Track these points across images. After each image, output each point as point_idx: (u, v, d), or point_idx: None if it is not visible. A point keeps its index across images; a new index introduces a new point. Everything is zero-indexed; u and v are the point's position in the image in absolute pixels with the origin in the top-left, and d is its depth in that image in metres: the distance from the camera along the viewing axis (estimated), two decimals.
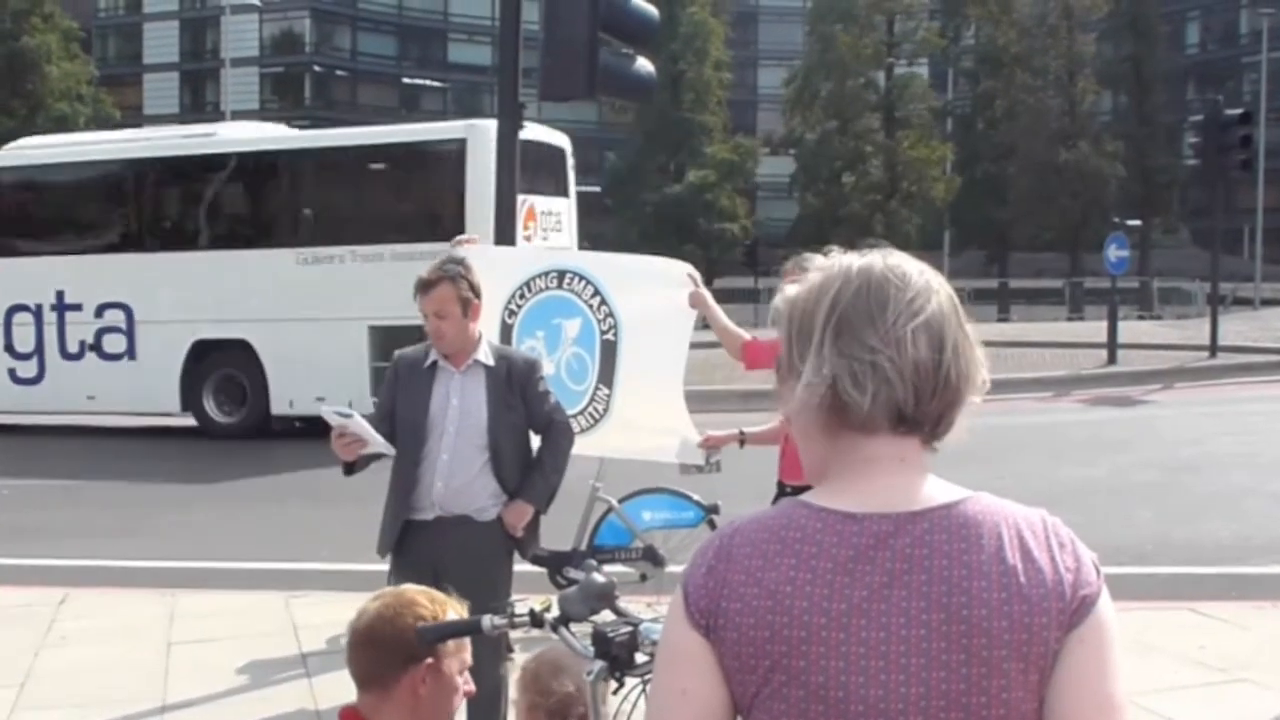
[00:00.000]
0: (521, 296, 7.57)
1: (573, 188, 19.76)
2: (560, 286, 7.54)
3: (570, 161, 19.79)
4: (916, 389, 1.75)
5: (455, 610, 3.09)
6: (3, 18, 55.23)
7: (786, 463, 6.30)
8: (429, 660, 2.97)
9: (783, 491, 6.32)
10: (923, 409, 1.77)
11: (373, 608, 3.05)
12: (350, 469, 5.36)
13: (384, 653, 2.97)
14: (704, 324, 7.23)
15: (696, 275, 7.20)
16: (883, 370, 1.74)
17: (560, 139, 19.33)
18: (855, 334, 1.76)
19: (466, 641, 3.08)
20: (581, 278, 7.51)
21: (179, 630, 8.46)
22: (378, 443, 5.22)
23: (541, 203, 18.09)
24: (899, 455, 1.78)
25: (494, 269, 6.96)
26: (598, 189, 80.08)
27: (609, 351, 7.43)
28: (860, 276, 1.80)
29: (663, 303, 7.23)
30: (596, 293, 7.45)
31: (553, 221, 18.53)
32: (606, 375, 7.45)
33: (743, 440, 7.02)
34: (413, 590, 3.14)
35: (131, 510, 13.48)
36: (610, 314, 7.40)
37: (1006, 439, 14.98)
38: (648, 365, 7.39)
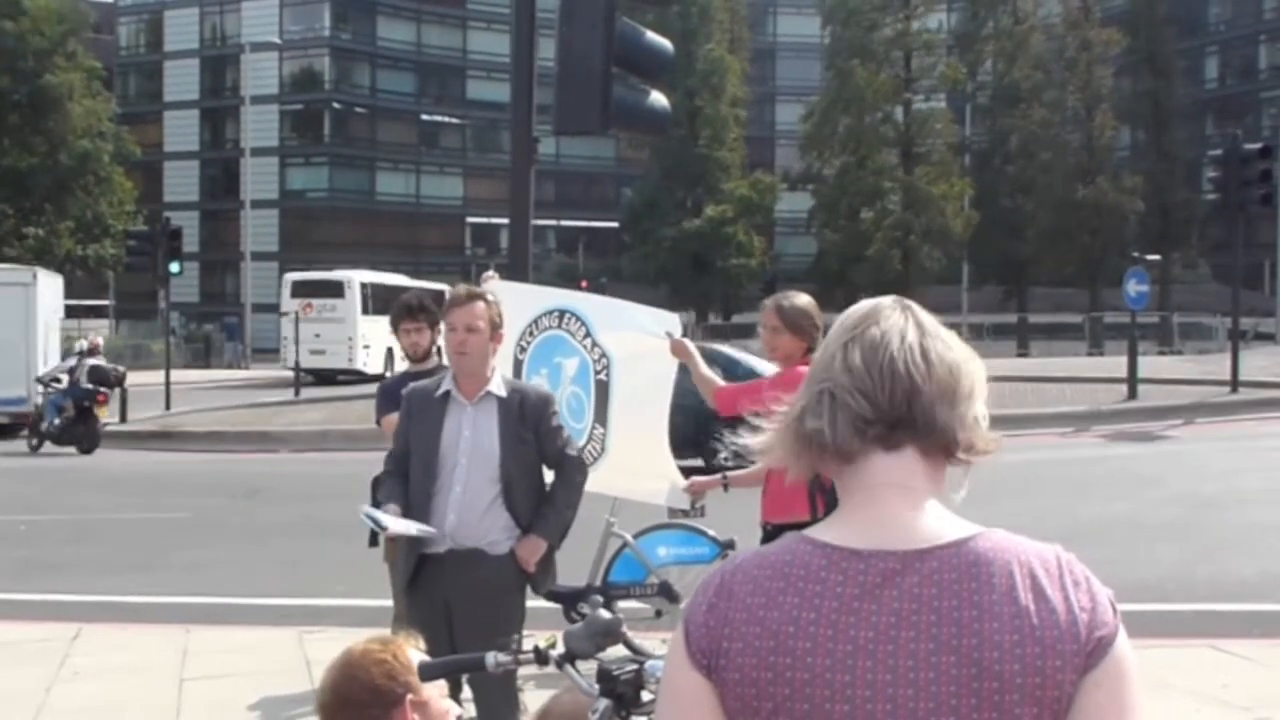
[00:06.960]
0: (530, 334, 7.60)
1: None
2: (560, 326, 7.58)
3: None
4: (864, 394, 1.73)
5: (413, 646, 3.01)
6: (26, 56, 55.69)
7: (769, 501, 6.26)
8: (410, 696, 2.87)
9: (764, 530, 6.30)
10: (883, 412, 1.72)
11: (330, 678, 2.95)
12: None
13: (363, 709, 2.87)
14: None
15: (676, 328, 7.17)
16: (828, 392, 1.75)
17: None
18: (817, 373, 1.80)
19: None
20: (576, 317, 7.55)
21: (192, 667, 8.40)
22: (420, 528, 5.25)
23: None
24: (900, 481, 1.72)
25: (511, 304, 6.95)
26: (615, 224, 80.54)
27: (602, 391, 7.49)
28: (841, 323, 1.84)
29: (646, 349, 7.24)
30: (588, 334, 7.49)
31: None
32: (601, 415, 7.51)
33: (726, 484, 6.95)
34: (360, 645, 3.00)
35: (145, 546, 13.44)
36: (604, 354, 7.43)
37: (1026, 474, 14.88)
38: (635, 409, 7.44)
